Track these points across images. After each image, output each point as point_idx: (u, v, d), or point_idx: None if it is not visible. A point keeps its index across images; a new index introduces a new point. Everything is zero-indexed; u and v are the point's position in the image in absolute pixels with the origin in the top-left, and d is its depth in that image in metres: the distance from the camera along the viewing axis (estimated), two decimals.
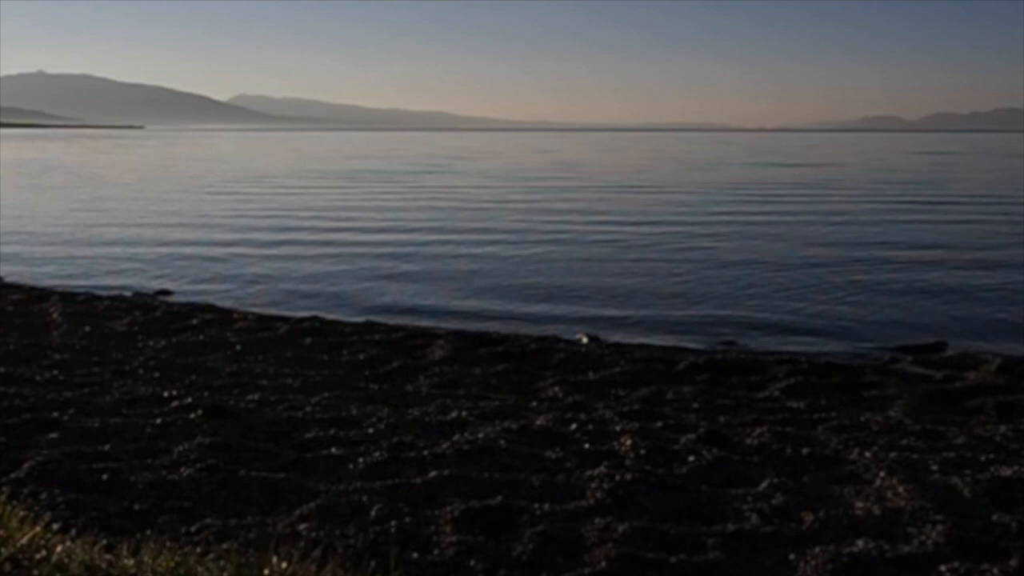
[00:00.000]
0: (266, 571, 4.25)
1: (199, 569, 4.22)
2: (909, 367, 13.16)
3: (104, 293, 18.55)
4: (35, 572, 3.86)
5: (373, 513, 6.90)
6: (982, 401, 10.97)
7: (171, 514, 6.85)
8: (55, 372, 11.42)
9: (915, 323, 16.21)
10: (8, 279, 20.51)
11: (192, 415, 9.41)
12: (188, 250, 25.54)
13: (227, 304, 17.63)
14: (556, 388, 11.44)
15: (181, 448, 8.37)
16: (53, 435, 8.74)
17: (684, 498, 7.40)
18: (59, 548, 4.09)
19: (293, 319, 15.76)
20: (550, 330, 15.41)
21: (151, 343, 13.61)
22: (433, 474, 7.73)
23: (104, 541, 4.64)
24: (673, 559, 6.26)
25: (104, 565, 4.10)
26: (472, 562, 6.22)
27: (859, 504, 7.28)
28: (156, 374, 11.49)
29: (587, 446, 8.78)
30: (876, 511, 7.11)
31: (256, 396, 10.37)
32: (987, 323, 16.30)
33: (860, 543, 6.49)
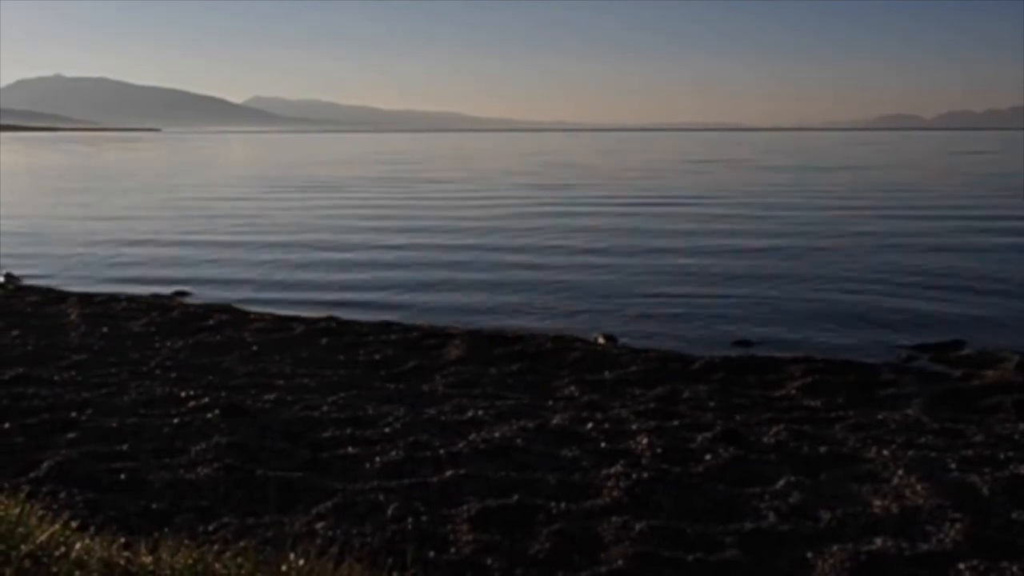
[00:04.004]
0: (284, 568, 4.26)
1: (217, 566, 4.23)
2: (926, 365, 13.09)
3: (121, 294, 18.62)
4: (54, 569, 3.88)
5: (390, 512, 6.91)
6: (1000, 399, 10.91)
7: (188, 513, 6.87)
8: (73, 373, 11.48)
9: (932, 321, 16.13)
10: (27, 281, 20.62)
11: (209, 415, 9.44)
12: (205, 251, 25.63)
13: (243, 305, 17.67)
14: (572, 387, 11.43)
15: (198, 448, 8.40)
16: (71, 435, 8.79)
17: (701, 497, 7.39)
18: (78, 545, 4.11)
19: (309, 319, 15.79)
20: (566, 330, 15.39)
21: (168, 344, 13.66)
22: (449, 473, 7.74)
23: (122, 539, 4.66)
24: (690, 557, 6.25)
25: (122, 562, 4.12)
26: (489, 560, 6.22)
27: (877, 502, 7.26)
28: (173, 374, 11.54)
29: (603, 445, 8.77)
30: (894, 509, 7.09)
31: (273, 396, 10.40)
32: (1005, 321, 16.21)
33: (878, 541, 6.47)
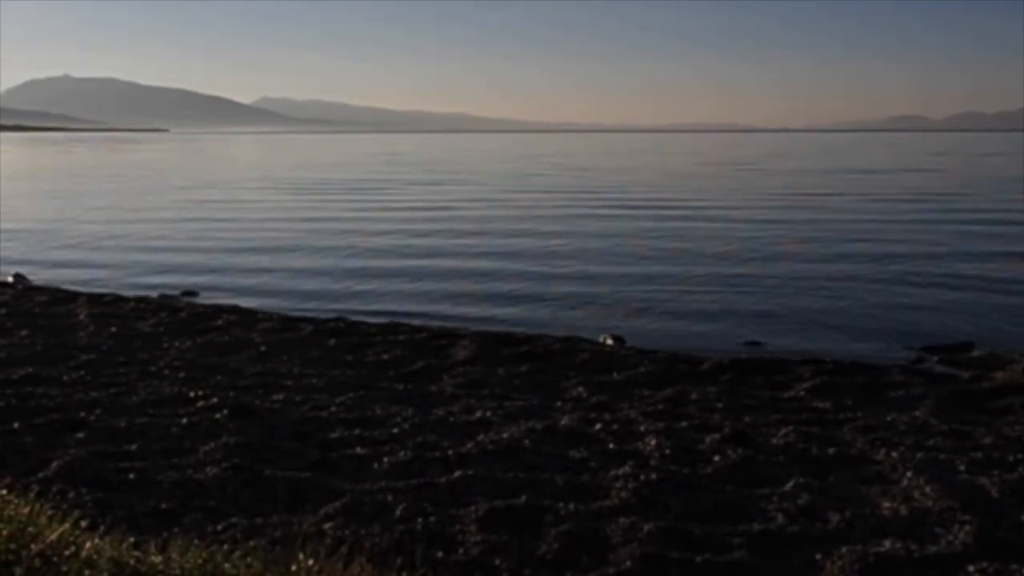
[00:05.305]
0: (293, 568, 4.26)
1: (226, 566, 4.23)
2: (935, 367, 13.07)
3: (130, 294, 18.66)
4: (64, 568, 3.89)
5: (398, 512, 6.92)
6: (1009, 401, 10.88)
7: (197, 513, 6.88)
8: (82, 372, 11.51)
9: (941, 323, 16.11)
10: (35, 281, 20.67)
11: (217, 415, 9.46)
12: (213, 252, 25.67)
13: (252, 305, 17.70)
14: (580, 388, 11.42)
15: (207, 448, 8.41)
16: (80, 435, 8.81)
17: (709, 498, 7.38)
18: (88, 545, 4.11)
19: (317, 320, 15.81)
20: (574, 331, 15.38)
21: (176, 344, 13.68)
22: (458, 473, 7.74)
23: (132, 539, 4.67)
24: (698, 559, 6.25)
25: (132, 562, 4.12)
26: (497, 561, 6.22)
27: (886, 504, 7.24)
28: (182, 374, 11.56)
29: (612, 446, 8.77)
30: (903, 511, 7.07)
31: (281, 396, 10.41)
32: (1015, 323, 16.17)
33: (887, 543, 6.45)
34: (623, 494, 7.39)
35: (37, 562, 3.87)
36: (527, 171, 73.99)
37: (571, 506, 7.11)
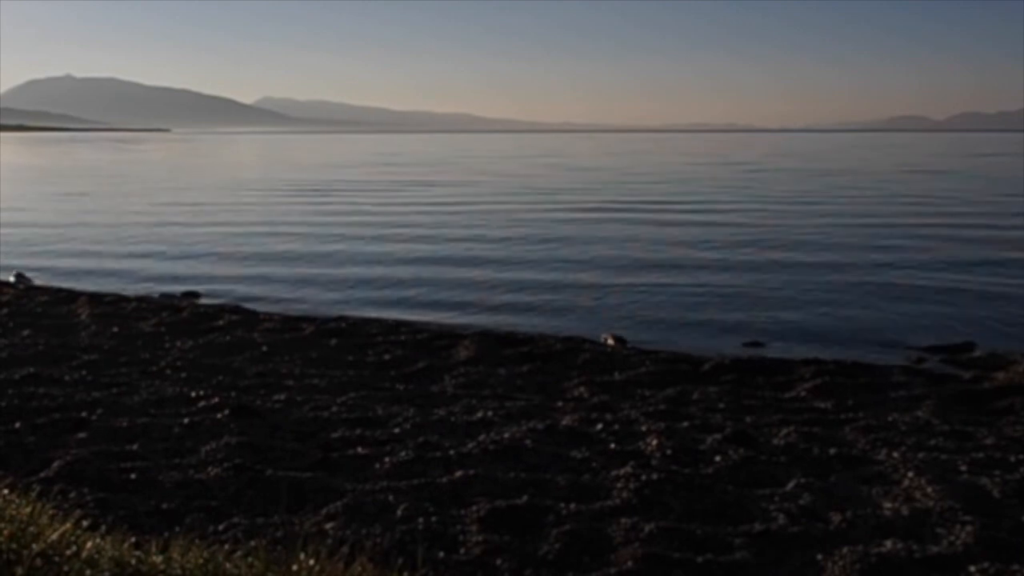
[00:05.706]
0: (294, 568, 4.26)
1: (227, 566, 4.24)
2: (937, 367, 13.06)
3: (131, 294, 18.67)
4: (65, 568, 3.89)
5: (399, 512, 6.92)
6: (1011, 401, 10.87)
7: (199, 513, 6.89)
8: (84, 372, 11.51)
9: (943, 323, 16.10)
10: (37, 281, 20.68)
11: (219, 415, 9.46)
12: (215, 252, 25.67)
13: (253, 305, 17.71)
14: (582, 388, 11.42)
15: (208, 448, 8.42)
16: (82, 434, 8.82)
17: (711, 498, 7.38)
18: (89, 545, 4.12)
19: (319, 320, 15.82)
20: (575, 331, 15.38)
21: (178, 344, 13.69)
22: (459, 473, 7.74)
23: (133, 539, 4.67)
24: (700, 559, 6.24)
25: (133, 562, 4.13)
26: (498, 561, 6.22)
27: (887, 504, 7.24)
28: (183, 374, 11.56)
29: (613, 446, 8.77)
30: (904, 511, 7.07)
31: (282, 396, 10.42)
32: (1016, 323, 16.16)
33: (888, 543, 6.45)
34: (624, 494, 7.39)
35: (38, 561, 3.87)
36: (528, 172, 73.99)
37: (572, 506, 7.11)
